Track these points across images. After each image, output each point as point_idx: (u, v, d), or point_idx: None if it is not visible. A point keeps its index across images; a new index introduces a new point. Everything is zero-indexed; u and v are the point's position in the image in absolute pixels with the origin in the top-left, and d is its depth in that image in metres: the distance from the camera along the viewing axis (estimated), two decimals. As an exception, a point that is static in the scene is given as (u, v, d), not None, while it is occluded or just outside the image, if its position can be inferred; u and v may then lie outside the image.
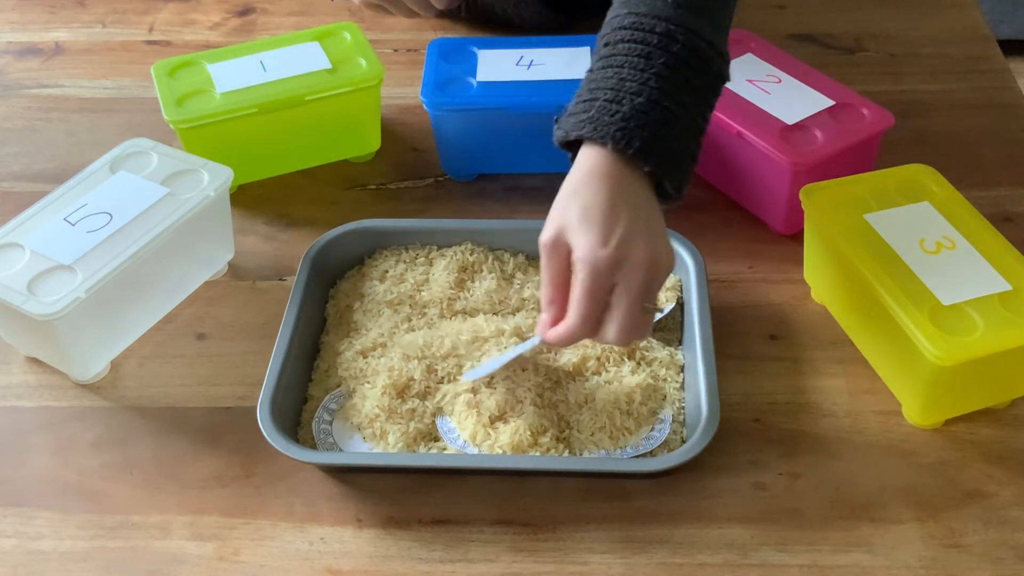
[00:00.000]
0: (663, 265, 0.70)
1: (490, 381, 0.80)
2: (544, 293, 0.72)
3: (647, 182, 0.73)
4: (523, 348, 0.77)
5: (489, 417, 0.77)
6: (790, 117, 0.91)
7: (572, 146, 0.75)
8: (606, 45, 0.76)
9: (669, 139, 0.72)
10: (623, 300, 0.69)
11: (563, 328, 0.70)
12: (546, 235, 0.72)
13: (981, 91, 1.11)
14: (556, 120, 0.77)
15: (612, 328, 0.70)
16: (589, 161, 0.72)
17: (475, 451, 0.75)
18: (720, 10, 0.77)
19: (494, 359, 0.79)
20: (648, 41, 0.74)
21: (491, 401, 0.77)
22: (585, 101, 0.74)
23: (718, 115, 0.92)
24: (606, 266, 0.68)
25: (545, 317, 0.73)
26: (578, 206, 0.70)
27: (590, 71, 0.76)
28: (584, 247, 0.69)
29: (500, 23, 1.19)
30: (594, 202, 0.70)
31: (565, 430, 0.77)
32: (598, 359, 0.81)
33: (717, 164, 0.97)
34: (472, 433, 0.76)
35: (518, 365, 0.79)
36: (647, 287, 0.70)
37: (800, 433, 0.78)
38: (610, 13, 0.78)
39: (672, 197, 0.73)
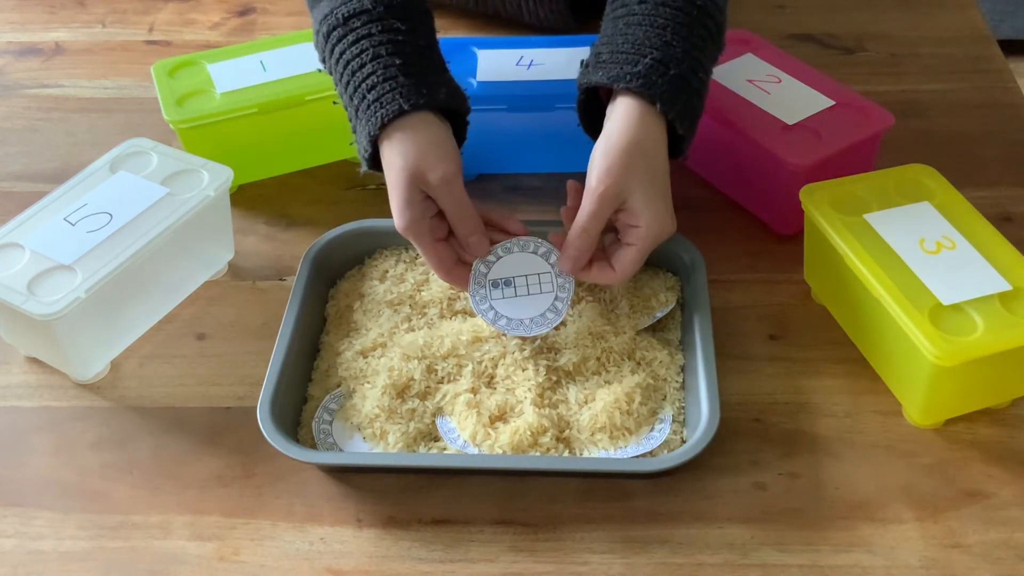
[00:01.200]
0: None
1: (490, 381, 0.80)
2: (584, 230, 0.77)
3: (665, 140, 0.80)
4: (564, 303, 0.81)
5: (489, 417, 0.77)
6: (790, 117, 0.91)
7: (592, 91, 0.82)
8: (642, 2, 0.81)
9: (698, 106, 0.81)
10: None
11: (608, 279, 0.79)
12: (608, 188, 0.76)
13: (981, 91, 1.11)
14: (584, 63, 0.83)
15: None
16: (636, 118, 0.78)
17: (475, 451, 0.75)
18: None
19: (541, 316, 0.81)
20: (689, 11, 0.80)
21: (491, 401, 0.77)
22: (629, 55, 0.79)
23: (718, 115, 0.92)
24: (663, 238, 0.78)
25: (578, 244, 0.78)
26: (644, 170, 0.77)
27: (624, 23, 0.81)
28: (657, 219, 0.77)
29: (506, 20, 1.18)
30: (658, 172, 0.78)
31: (565, 430, 0.77)
32: (598, 359, 0.81)
33: (717, 164, 0.97)
34: (472, 433, 0.76)
35: (524, 364, 0.79)
36: None
37: (800, 433, 0.78)
38: None
39: (674, 155, 0.81)
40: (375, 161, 0.81)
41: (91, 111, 1.12)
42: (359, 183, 1.02)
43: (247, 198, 1.00)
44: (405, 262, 0.89)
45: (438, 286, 0.86)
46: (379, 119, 0.78)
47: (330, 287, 0.89)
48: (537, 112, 0.95)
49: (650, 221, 0.77)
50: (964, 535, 0.72)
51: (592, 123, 0.84)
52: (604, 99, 0.82)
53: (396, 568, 0.71)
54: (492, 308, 0.81)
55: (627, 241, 0.78)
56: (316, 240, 0.89)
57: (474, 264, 0.81)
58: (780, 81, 0.95)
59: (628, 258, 0.78)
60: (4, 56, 1.20)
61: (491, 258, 0.82)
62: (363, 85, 0.79)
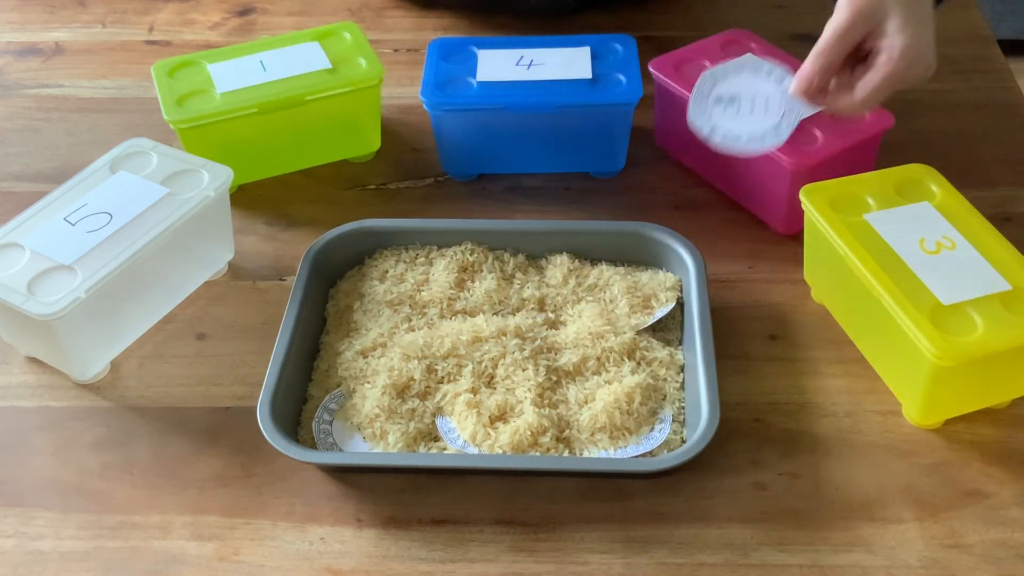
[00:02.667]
0: (932, 71, 0.76)
1: (490, 381, 0.80)
2: (828, 45, 0.73)
3: None
4: (801, 114, 0.78)
5: (489, 417, 0.77)
6: (790, 117, 0.91)
7: None
8: None
9: None
10: (889, 94, 0.75)
11: (848, 102, 0.75)
12: (850, 3, 0.72)
13: (981, 91, 1.11)
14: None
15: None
16: None
17: (475, 451, 0.75)
18: None
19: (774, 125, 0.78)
20: None
21: (491, 401, 0.77)
22: None
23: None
24: (914, 68, 0.73)
25: (815, 66, 0.73)
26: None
27: None
28: (911, 41, 0.72)
29: (501, 5, 1.18)
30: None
31: (565, 430, 0.77)
32: (598, 359, 0.81)
33: (717, 164, 0.97)
34: (472, 433, 0.76)
35: (524, 364, 0.79)
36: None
37: (800, 433, 0.78)
38: None
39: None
40: None
41: (91, 111, 1.12)
42: (359, 183, 1.02)
43: (247, 198, 1.00)
44: (405, 262, 0.89)
45: (438, 286, 0.86)
46: None
47: (330, 287, 0.89)
48: (537, 112, 0.95)
49: (906, 44, 0.71)
50: (964, 535, 0.72)
51: None
52: None
53: (396, 568, 0.71)
54: (710, 121, 0.76)
55: (876, 64, 0.72)
56: (316, 240, 0.89)
57: (701, 76, 0.77)
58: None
59: (871, 81, 0.72)
60: (4, 56, 1.20)
61: (719, 72, 0.77)
62: None
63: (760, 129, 0.76)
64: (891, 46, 0.71)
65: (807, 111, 0.75)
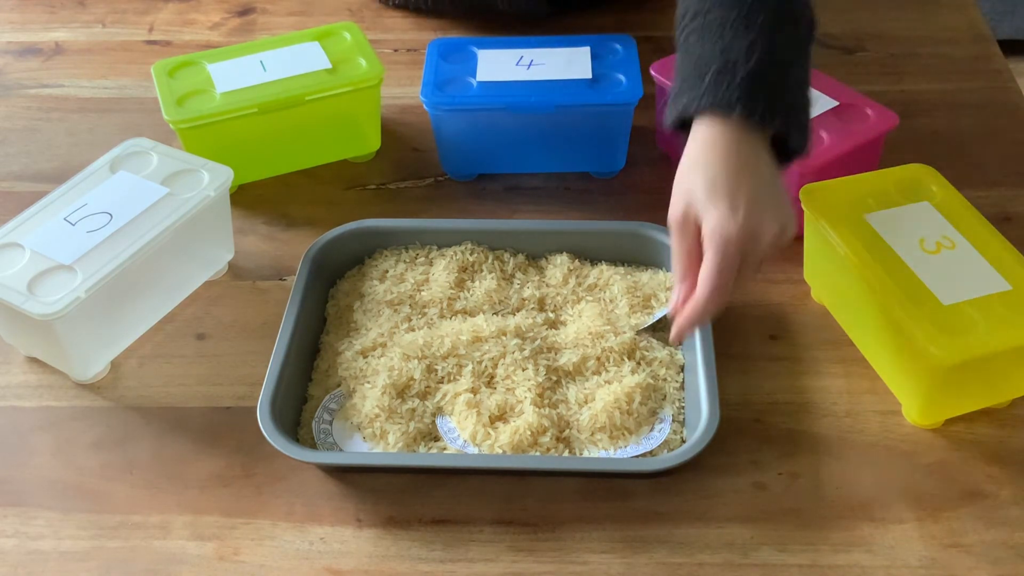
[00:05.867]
0: (789, 231, 0.71)
1: (490, 381, 0.80)
2: (676, 269, 0.72)
3: (766, 145, 0.73)
4: (651, 319, 0.81)
5: (489, 417, 0.77)
6: (792, 117, 0.91)
7: (685, 126, 0.75)
8: (695, 16, 0.76)
9: (788, 95, 0.73)
10: (747, 272, 0.70)
11: (690, 307, 0.70)
12: (675, 211, 0.72)
13: (981, 91, 1.11)
14: (664, 104, 0.77)
15: (730, 296, 0.71)
16: (707, 133, 0.72)
17: (475, 451, 0.75)
18: None
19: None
20: (742, 3, 0.73)
21: (491, 401, 0.77)
22: (692, 77, 0.73)
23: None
24: (736, 240, 0.68)
25: (679, 291, 0.72)
26: (703, 178, 0.70)
27: (684, 45, 0.76)
28: (714, 220, 0.69)
29: (481, 10, 1.18)
30: (719, 172, 0.70)
31: (565, 430, 0.77)
32: (598, 359, 0.81)
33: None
34: (472, 433, 0.76)
35: (524, 364, 0.79)
36: (769, 255, 0.71)
37: (800, 433, 0.78)
38: None
39: (795, 154, 0.74)
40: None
41: (91, 111, 1.12)
42: (359, 183, 1.02)
43: (247, 198, 1.00)
44: (405, 262, 0.89)
45: (438, 286, 0.86)
46: None
47: (330, 287, 0.89)
48: (537, 112, 0.95)
49: (713, 223, 0.68)
50: (964, 535, 0.72)
51: None
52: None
53: (396, 568, 0.71)
54: None
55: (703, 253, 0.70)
56: (316, 240, 0.89)
57: None
58: (780, 81, 0.95)
59: (701, 272, 0.69)
60: (4, 56, 1.20)
61: None
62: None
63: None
64: (709, 227, 0.69)
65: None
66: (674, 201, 0.72)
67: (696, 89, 0.73)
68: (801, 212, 0.84)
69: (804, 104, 0.75)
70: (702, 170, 0.71)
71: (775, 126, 0.72)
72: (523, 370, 0.79)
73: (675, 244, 0.72)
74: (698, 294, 0.70)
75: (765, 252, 0.70)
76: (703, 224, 0.70)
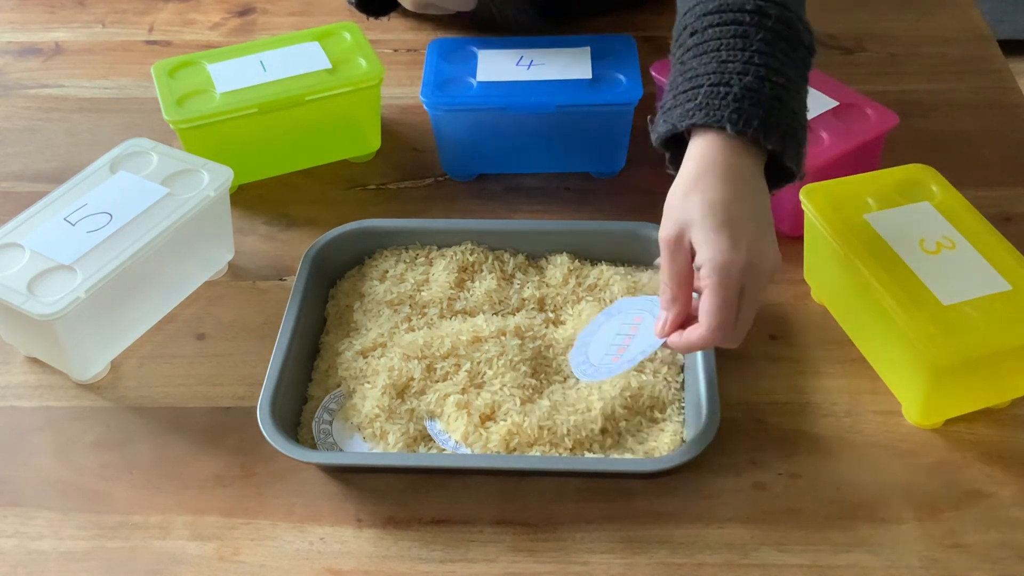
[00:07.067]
0: (779, 266, 0.70)
1: (482, 381, 0.79)
2: (666, 292, 0.71)
3: (760, 168, 0.71)
4: (645, 354, 0.74)
5: (480, 416, 0.76)
6: (793, 118, 0.91)
7: (672, 144, 0.74)
8: (693, 34, 0.74)
9: (784, 114, 0.71)
10: (750, 305, 0.69)
11: (698, 337, 0.69)
12: (668, 232, 0.70)
13: (981, 91, 1.11)
14: (650, 120, 0.75)
15: (738, 333, 0.69)
16: (704, 151, 0.70)
17: (467, 451, 0.75)
18: None
19: (615, 363, 0.75)
20: (740, 20, 0.72)
21: (481, 401, 0.77)
22: (687, 91, 0.72)
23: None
24: (739, 272, 0.67)
25: (667, 316, 0.71)
26: (701, 202, 0.68)
27: (680, 63, 0.74)
28: (715, 253, 0.67)
29: (480, 21, 1.18)
30: (719, 199, 0.68)
31: (563, 430, 0.77)
32: (598, 359, 0.81)
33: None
34: (464, 434, 0.76)
35: (517, 365, 0.79)
36: (765, 289, 0.70)
37: (800, 433, 0.78)
38: (684, 3, 0.77)
39: (789, 176, 0.73)
40: None
41: (91, 111, 1.12)
42: (359, 183, 1.02)
43: (247, 198, 1.00)
44: (405, 262, 0.89)
45: (438, 286, 0.86)
46: None
47: (330, 287, 0.89)
48: (537, 112, 0.95)
49: (710, 256, 0.67)
50: (964, 535, 0.72)
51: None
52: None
53: (396, 568, 0.71)
54: (587, 359, 0.78)
55: (703, 287, 0.69)
56: (316, 240, 0.89)
57: (576, 355, 0.78)
58: (780, 81, 0.95)
59: (703, 306, 0.68)
60: (4, 56, 1.20)
61: (586, 348, 0.78)
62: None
63: (626, 356, 0.75)
64: (699, 260, 0.68)
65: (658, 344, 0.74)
66: (667, 222, 0.70)
67: (690, 103, 0.71)
68: (801, 212, 0.84)
69: (801, 124, 0.73)
70: (700, 194, 0.69)
71: (771, 143, 0.70)
72: (521, 370, 0.79)
73: (665, 265, 0.70)
74: (705, 328, 0.68)
75: (765, 285, 0.69)
76: (701, 253, 0.68)
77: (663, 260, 0.71)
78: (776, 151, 0.71)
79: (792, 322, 0.87)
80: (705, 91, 0.71)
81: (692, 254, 0.69)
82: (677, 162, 0.74)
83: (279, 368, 0.78)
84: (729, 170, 0.69)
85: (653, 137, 0.75)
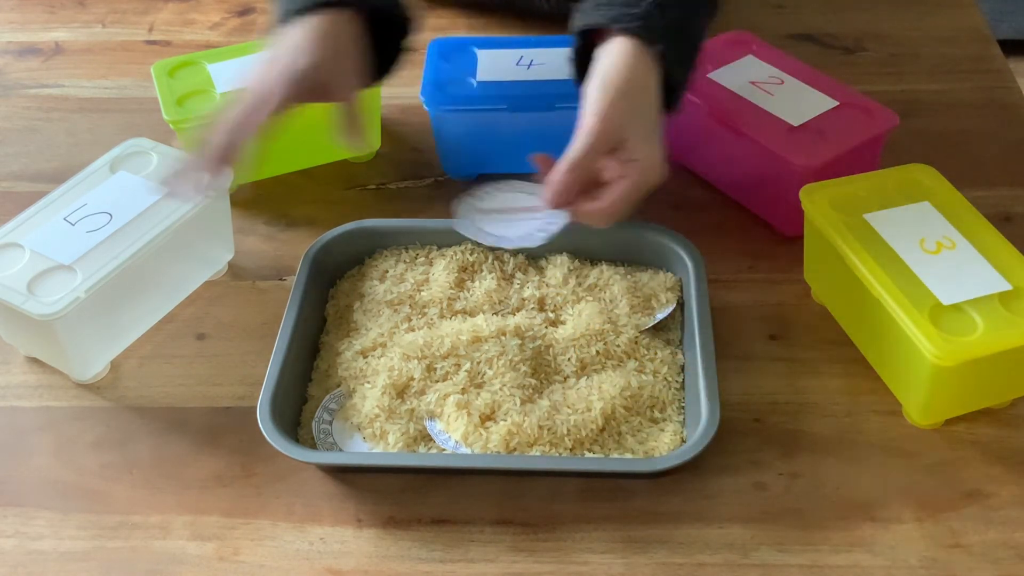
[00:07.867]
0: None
1: (482, 381, 0.79)
2: (578, 159, 0.76)
3: (660, 80, 0.79)
4: (553, 227, 0.80)
5: (480, 416, 0.76)
6: (795, 119, 0.91)
7: (587, 35, 0.81)
8: None
9: (694, 57, 0.82)
10: (633, 205, 0.78)
11: (596, 209, 0.77)
12: (605, 125, 0.76)
13: (981, 91, 1.11)
14: (579, 8, 0.82)
15: (612, 220, 0.78)
16: (634, 60, 0.77)
17: (467, 451, 0.75)
18: None
19: (513, 223, 0.82)
20: None
21: (481, 401, 0.77)
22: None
23: (722, 118, 0.92)
24: (656, 179, 0.77)
25: (566, 179, 0.76)
26: (643, 110, 0.78)
27: None
28: (650, 158, 0.76)
29: (503, 8, 1.18)
30: (651, 112, 0.78)
31: (564, 430, 0.77)
32: (598, 359, 0.81)
33: (719, 165, 0.97)
34: (464, 434, 0.76)
35: (518, 365, 0.79)
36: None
37: (800, 433, 0.78)
38: None
39: (674, 101, 0.81)
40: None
41: (91, 111, 1.12)
42: (359, 183, 1.02)
43: (247, 198, 1.00)
44: (405, 262, 0.89)
45: (438, 286, 0.86)
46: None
47: (330, 287, 0.89)
48: (537, 112, 0.95)
49: (647, 156, 0.76)
50: (964, 535, 0.72)
51: (583, 71, 0.82)
52: (597, 45, 0.82)
53: (396, 568, 0.71)
54: (480, 230, 0.82)
55: (620, 175, 0.76)
56: (316, 240, 0.89)
57: (466, 199, 0.83)
58: (783, 83, 0.95)
59: (619, 189, 0.76)
60: (4, 56, 1.20)
61: (482, 193, 0.84)
62: None
63: (527, 230, 0.81)
64: (638, 156, 0.76)
65: (564, 216, 0.79)
66: (604, 128, 0.75)
67: (628, 8, 0.78)
68: (801, 212, 0.84)
69: (696, 49, 0.82)
70: (633, 100, 0.77)
71: (679, 74, 0.79)
72: (521, 370, 0.79)
73: (589, 141, 0.75)
74: (611, 208, 0.76)
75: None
76: (637, 151, 0.76)
77: (589, 143, 0.76)
78: (678, 85, 0.80)
79: (792, 322, 0.87)
80: (646, 7, 0.78)
81: (612, 144, 0.76)
82: (580, 53, 0.82)
83: (279, 368, 0.78)
84: (653, 86, 0.78)
85: (578, 23, 0.82)
